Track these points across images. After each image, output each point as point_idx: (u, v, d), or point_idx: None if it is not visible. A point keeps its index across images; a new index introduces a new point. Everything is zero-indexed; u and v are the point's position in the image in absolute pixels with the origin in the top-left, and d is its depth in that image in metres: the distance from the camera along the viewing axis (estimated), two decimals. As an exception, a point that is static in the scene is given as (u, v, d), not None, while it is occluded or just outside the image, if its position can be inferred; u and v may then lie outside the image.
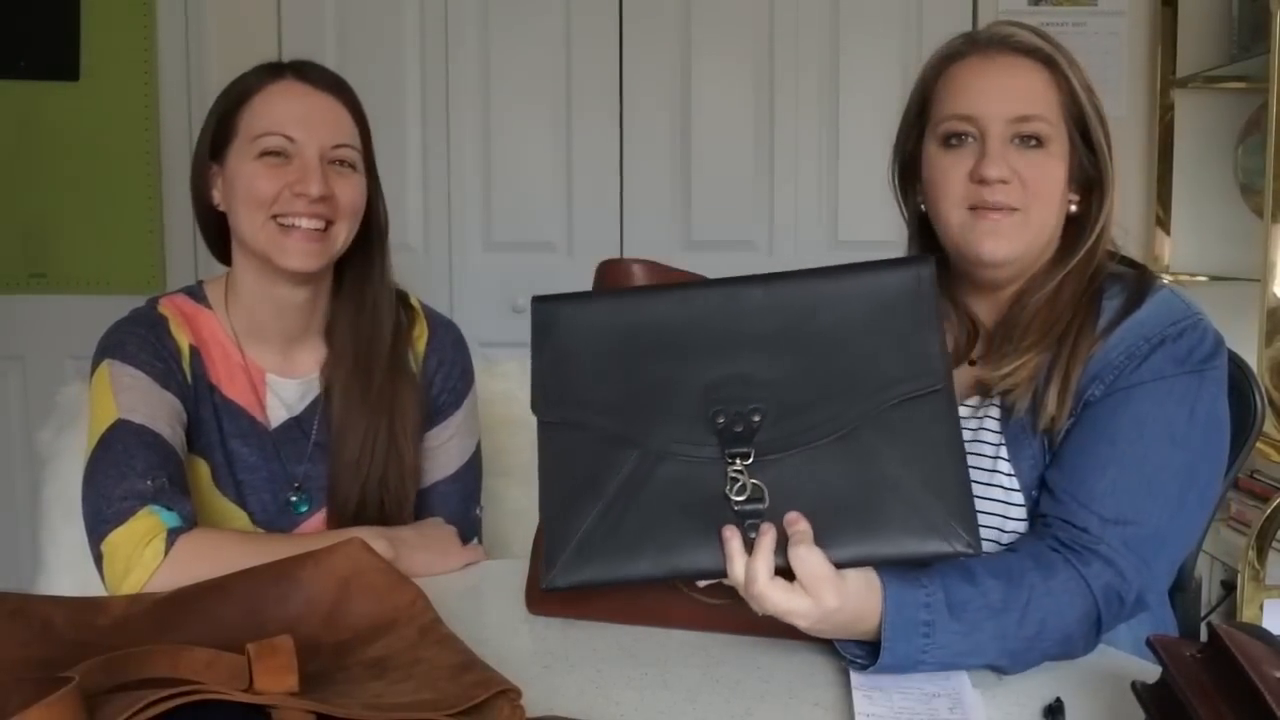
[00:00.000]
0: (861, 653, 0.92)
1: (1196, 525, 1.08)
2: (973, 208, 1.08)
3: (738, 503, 0.86)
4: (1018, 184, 1.07)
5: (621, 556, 0.87)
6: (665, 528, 0.87)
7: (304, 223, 1.18)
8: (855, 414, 0.88)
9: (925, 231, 1.17)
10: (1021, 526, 1.08)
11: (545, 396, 0.92)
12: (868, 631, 0.90)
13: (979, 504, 0.99)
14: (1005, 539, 1.09)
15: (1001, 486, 1.08)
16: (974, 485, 1.07)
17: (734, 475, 0.87)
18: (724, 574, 0.87)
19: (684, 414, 0.89)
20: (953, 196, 1.09)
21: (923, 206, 1.16)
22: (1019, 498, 1.08)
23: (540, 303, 0.94)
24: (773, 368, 0.89)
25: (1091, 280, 1.10)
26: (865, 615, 0.88)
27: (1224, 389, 1.07)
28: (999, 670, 0.93)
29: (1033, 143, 1.07)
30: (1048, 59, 1.09)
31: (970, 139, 1.09)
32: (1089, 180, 1.12)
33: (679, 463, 0.88)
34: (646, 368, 0.91)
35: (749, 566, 0.85)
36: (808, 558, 0.85)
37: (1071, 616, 0.95)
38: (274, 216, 1.18)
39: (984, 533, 1.00)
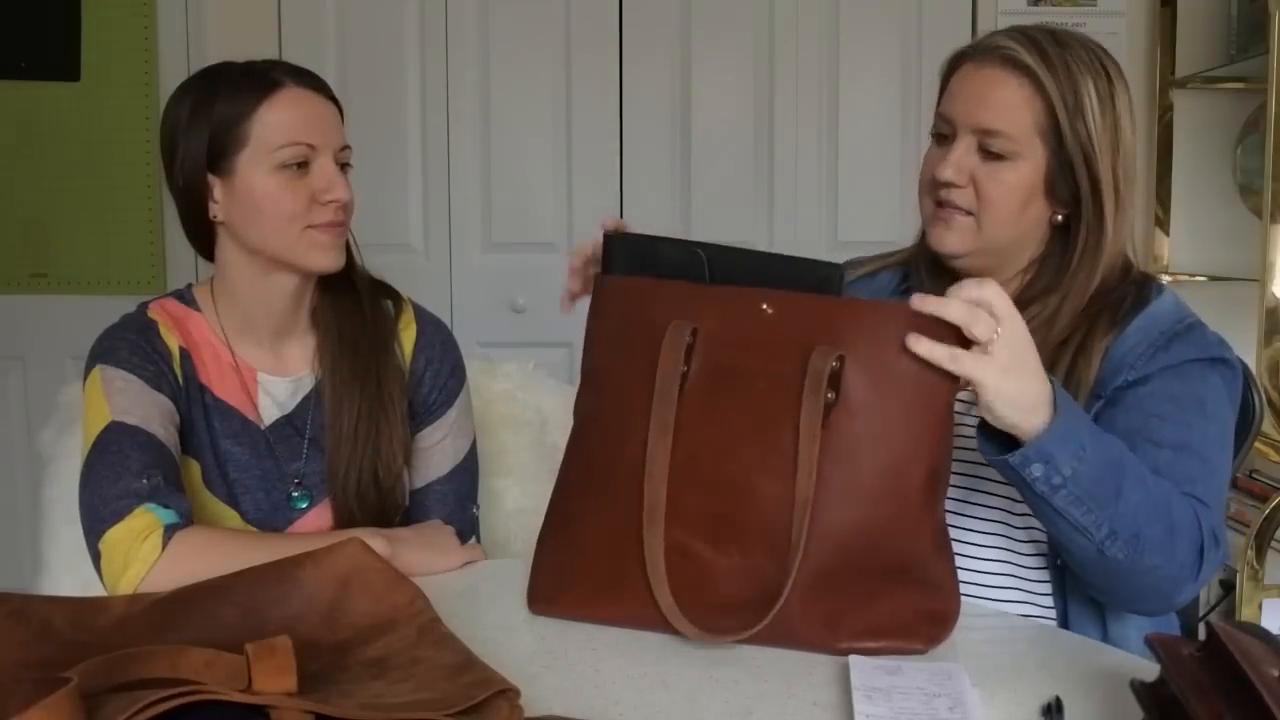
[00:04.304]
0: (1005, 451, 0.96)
1: (1225, 488, 1.15)
2: (939, 203, 1.15)
3: None
4: (971, 190, 1.13)
5: None
6: None
7: (331, 229, 1.21)
8: None
9: None
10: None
11: None
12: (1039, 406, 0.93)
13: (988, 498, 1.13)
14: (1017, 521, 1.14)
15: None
16: (980, 479, 1.15)
17: None
18: None
19: None
20: (924, 187, 1.18)
21: None
22: None
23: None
24: None
25: (1094, 299, 1.14)
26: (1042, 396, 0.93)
27: (1234, 393, 1.14)
28: (1109, 540, 0.97)
29: (995, 155, 1.12)
30: (1033, 75, 1.11)
31: (949, 137, 1.15)
32: (1074, 197, 1.14)
33: None
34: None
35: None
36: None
37: (1189, 529, 1.02)
38: (306, 227, 1.20)
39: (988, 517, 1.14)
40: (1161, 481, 1.02)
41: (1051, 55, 1.11)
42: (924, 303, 0.90)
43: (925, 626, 0.95)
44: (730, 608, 0.93)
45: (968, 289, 0.91)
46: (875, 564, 0.94)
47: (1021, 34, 1.13)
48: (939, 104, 1.19)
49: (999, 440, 0.97)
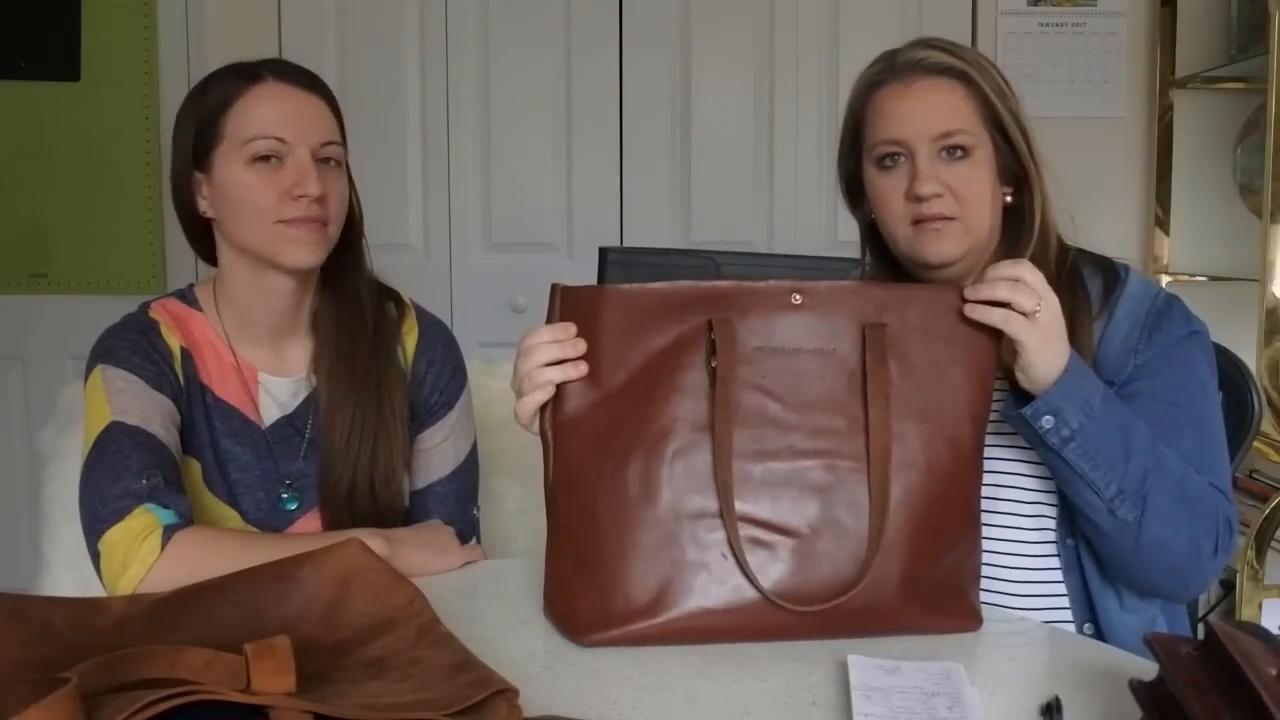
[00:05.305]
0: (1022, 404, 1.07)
1: (1230, 467, 1.21)
2: (916, 222, 1.17)
3: None
4: (950, 195, 1.16)
5: None
6: None
7: (304, 224, 1.19)
8: None
9: (875, 235, 1.27)
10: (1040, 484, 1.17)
11: None
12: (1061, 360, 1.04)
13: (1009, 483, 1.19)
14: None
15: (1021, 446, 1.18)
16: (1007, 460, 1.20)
17: None
18: None
19: None
20: (896, 215, 1.19)
21: (872, 215, 1.25)
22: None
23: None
24: None
25: (1060, 266, 1.20)
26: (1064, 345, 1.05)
27: (1214, 362, 1.21)
28: (1119, 499, 1.07)
29: (958, 154, 1.16)
30: (960, 74, 1.17)
31: (902, 158, 1.18)
32: (1019, 173, 1.20)
33: None
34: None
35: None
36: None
37: (1206, 512, 1.10)
38: (277, 221, 1.18)
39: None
40: (1181, 462, 1.10)
41: (963, 54, 1.19)
42: (976, 291, 1.01)
43: (973, 602, 1.01)
44: (816, 589, 0.95)
45: (1005, 269, 1.02)
46: (940, 526, 0.98)
47: (925, 45, 1.20)
48: (869, 133, 1.20)
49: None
